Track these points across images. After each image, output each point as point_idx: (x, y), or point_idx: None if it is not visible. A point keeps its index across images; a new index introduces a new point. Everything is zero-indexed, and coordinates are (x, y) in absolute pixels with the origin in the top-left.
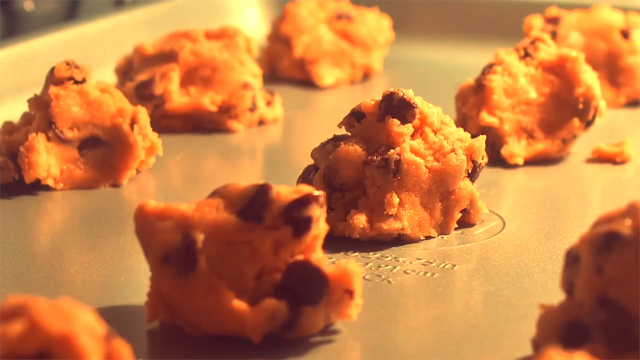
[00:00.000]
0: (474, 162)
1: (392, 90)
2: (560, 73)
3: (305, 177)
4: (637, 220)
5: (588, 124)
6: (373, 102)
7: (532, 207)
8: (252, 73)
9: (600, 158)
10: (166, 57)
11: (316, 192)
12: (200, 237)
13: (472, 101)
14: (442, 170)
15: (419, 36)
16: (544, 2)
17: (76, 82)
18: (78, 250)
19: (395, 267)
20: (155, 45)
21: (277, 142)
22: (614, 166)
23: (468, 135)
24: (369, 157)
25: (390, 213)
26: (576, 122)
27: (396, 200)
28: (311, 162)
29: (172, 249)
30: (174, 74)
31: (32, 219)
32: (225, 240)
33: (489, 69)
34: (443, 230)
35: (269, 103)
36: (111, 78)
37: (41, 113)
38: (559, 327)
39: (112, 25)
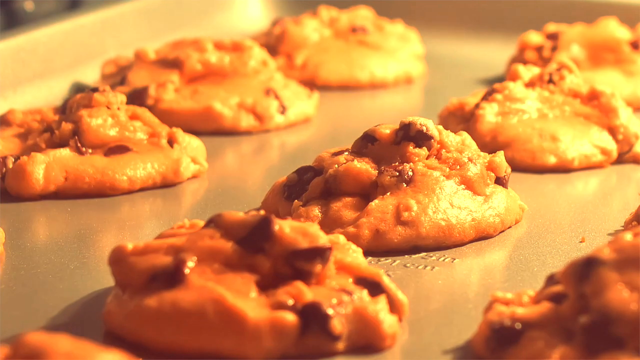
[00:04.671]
0: (497, 176)
1: (410, 120)
2: (589, 104)
3: (300, 176)
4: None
5: (621, 155)
6: (389, 131)
7: (533, 201)
8: (271, 78)
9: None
10: (170, 64)
11: (326, 245)
12: (192, 257)
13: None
14: (462, 177)
15: (445, 34)
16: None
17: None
18: (78, 245)
19: (394, 261)
20: (159, 52)
21: (288, 144)
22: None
23: (486, 154)
24: (382, 168)
25: (404, 219)
26: (614, 151)
27: (412, 201)
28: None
29: (160, 269)
30: (171, 85)
31: (32, 214)
32: (221, 262)
33: (488, 95)
34: (487, 232)
35: (309, 96)
36: None
37: (67, 126)
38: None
39: (112, 16)
